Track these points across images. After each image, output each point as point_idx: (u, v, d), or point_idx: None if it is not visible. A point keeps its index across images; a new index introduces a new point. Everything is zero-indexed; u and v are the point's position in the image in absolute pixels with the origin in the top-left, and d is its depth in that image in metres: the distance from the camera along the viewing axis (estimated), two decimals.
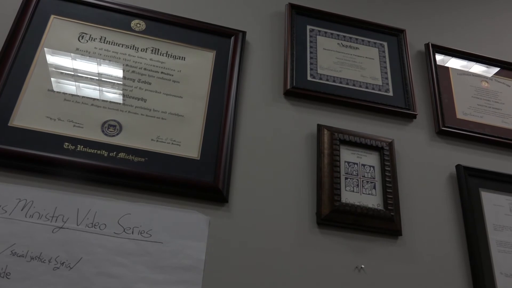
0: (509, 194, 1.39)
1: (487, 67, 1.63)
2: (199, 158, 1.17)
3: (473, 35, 1.72)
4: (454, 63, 1.60)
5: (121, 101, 1.20)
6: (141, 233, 1.05)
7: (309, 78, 1.39)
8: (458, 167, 1.38)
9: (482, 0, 1.84)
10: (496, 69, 1.64)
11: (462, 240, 1.29)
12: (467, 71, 1.60)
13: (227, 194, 1.15)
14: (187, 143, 1.18)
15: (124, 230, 1.05)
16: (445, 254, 1.25)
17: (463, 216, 1.32)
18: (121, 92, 1.22)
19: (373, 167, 1.30)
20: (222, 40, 1.37)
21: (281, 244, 1.14)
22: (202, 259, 1.06)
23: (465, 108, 1.51)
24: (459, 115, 1.49)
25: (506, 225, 1.33)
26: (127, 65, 1.26)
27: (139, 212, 1.08)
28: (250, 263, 1.10)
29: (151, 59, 1.29)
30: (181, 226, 1.08)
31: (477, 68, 1.62)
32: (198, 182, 1.13)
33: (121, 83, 1.23)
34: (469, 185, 1.36)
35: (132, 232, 1.05)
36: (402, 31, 1.58)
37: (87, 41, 1.27)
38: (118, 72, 1.24)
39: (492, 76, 1.62)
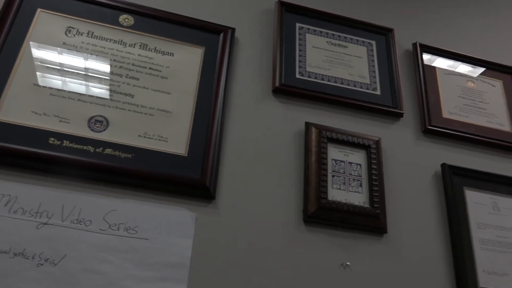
0: (492, 193, 1.41)
1: (472, 67, 1.65)
2: (186, 155, 1.16)
3: (460, 35, 1.74)
4: (441, 62, 1.61)
5: (108, 97, 1.19)
6: (127, 229, 1.05)
7: (297, 75, 1.39)
8: (443, 165, 1.39)
9: (470, 1, 1.86)
10: (482, 69, 1.66)
11: (446, 238, 1.30)
12: (454, 71, 1.62)
13: (215, 191, 1.15)
14: (174, 139, 1.18)
15: (109, 227, 1.04)
16: (429, 252, 1.27)
17: (447, 214, 1.33)
18: (108, 87, 1.21)
19: (360, 165, 1.31)
20: (211, 37, 1.36)
21: (267, 241, 1.15)
22: (189, 256, 1.06)
23: (451, 108, 1.53)
24: (445, 115, 1.50)
25: (489, 223, 1.35)
26: (114, 60, 1.25)
27: (125, 208, 1.07)
28: (236, 260, 1.10)
29: (139, 55, 1.28)
30: (167, 223, 1.08)
31: (463, 68, 1.64)
32: (185, 178, 1.12)
33: (109, 78, 1.22)
34: (453, 183, 1.37)
35: (118, 228, 1.05)
36: (390, 30, 1.58)
37: (74, 35, 1.25)
38: (105, 67, 1.23)
39: (477, 76, 1.64)
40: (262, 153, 1.26)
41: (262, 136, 1.29)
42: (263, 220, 1.17)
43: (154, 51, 1.30)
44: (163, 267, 1.03)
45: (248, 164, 1.23)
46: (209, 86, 1.27)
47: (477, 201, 1.38)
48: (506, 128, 1.56)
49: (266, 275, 1.11)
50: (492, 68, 1.67)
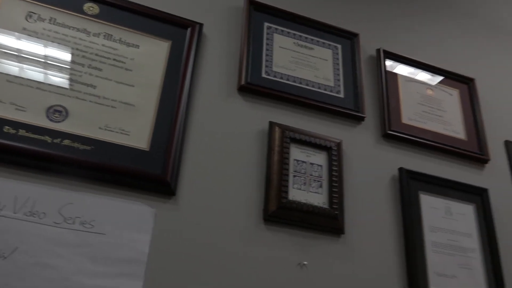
0: (446, 198, 1.46)
1: (432, 75, 1.71)
2: (148, 149, 1.14)
3: (422, 43, 1.79)
4: (403, 69, 1.66)
5: (68, 86, 1.16)
6: (83, 223, 1.02)
7: (263, 75, 1.39)
8: (400, 170, 1.43)
9: (433, 10, 1.91)
10: (440, 78, 1.72)
11: (400, 240, 1.34)
12: (414, 78, 1.66)
13: (175, 187, 1.14)
14: (136, 133, 1.16)
15: (65, 220, 1.01)
16: (384, 253, 1.30)
17: (402, 217, 1.37)
18: (69, 76, 1.17)
19: (321, 166, 1.33)
20: (178, 31, 1.34)
21: (226, 239, 1.15)
22: (146, 252, 1.05)
23: (410, 114, 1.57)
24: (404, 120, 1.55)
25: (441, 227, 1.40)
26: (77, 49, 1.21)
27: (82, 201, 1.04)
28: (195, 257, 1.10)
29: (103, 45, 1.25)
30: (125, 218, 1.06)
31: (423, 76, 1.69)
32: (146, 173, 1.11)
33: (70, 67, 1.18)
34: (409, 187, 1.42)
35: (74, 222, 1.02)
36: (356, 35, 1.61)
37: (35, 21, 1.21)
38: (67, 55, 1.20)
39: (436, 84, 1.70)
40: (225, 151, 1.26)
41: (226, 133, 1.29)
42: (223, 218, 1.17)
43: (119, 42, 1.27)
44: (119, 263, 1.01)
45: (211, 161, 1.23)
46: (175, 81, 1.26)
47: (431, 205, 1.43)
48: (460, 136, 1.62)
49: (224, 273, 1.11)
50: (450, 77, 1.73)
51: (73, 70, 1.18)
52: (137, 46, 1.28)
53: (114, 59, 1.24)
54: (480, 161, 1.60)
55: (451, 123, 1.63)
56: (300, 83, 1.43)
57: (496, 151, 1.67)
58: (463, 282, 1.34)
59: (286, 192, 1.24)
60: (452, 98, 1.70)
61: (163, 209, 1.12)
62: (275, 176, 1.25)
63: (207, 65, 1.36)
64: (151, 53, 1.28)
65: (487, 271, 1.39)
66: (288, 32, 1.52)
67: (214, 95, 1.33)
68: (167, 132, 1.18)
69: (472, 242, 1.42)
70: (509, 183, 1.63)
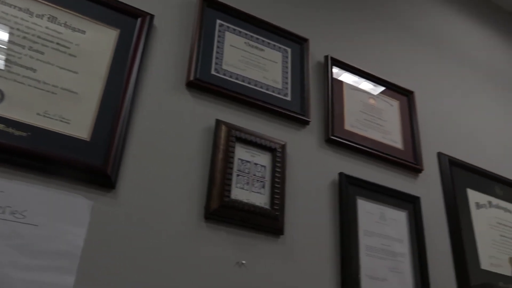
0: (381, 204, 1.52)
1: (375, 85, 1.77)
2: (89, 140, 1.10)
3: (368, 53, 1.85)
4: (348, 77, 1.71)
5: (5, 68, 1.09)
6: (13, 213, 0.97)
7: (213, 72, 1.39)
8: (340, 174, 1.48)
9: (380, 20, 1.99)
10: (383, 88, 1.79)
11: (336, 243, 1.38)
12: (358, 87, 1.72)
13: (116, 180, 1.10)
14: (77, 122, 1.11)
15: None
16: (320, 254, 1.33)
17: (339, 220, 1.41)
18: (7, 58, 1.10)
19: (265, 167, 1.34)
20: (128, 20, 1.30)
21: (166, 235, 1.13)
22: (80, 245, 1.01)
23: (352, 121, 1.62)
24: (347, 127, 1.60)
25: (375, 232, 1.46)
26: (17, 29, 1.14)
27: (13, 190, 0.99)
28: (132, 252, 1.07)
29: (46, 27, 1.18)
30: (60, 209, 1.01)
31: (366, 85, 1.75)
32: (85, 164, 1.07)
33: (8, 48, 1.11)
34: (348, 192, 1.46)
35: (4, 211, 0.96)
36: (305, 40, 1.64)
37: None
38: (5, 35, 1.13)
39: (378, 94, 1.76)
40: (169, 146, 1.24)
41: (171, 128, 1.27)
42: (163, 214, 1.15)
43: (64, 26, 1.21)
44: (51, 256, 0.97)
45: (154, 155, 1.20)
46: (121, 71, 1.22)
47: (367, 210, 1.48)
48: (398, 145, 1.69)
49: (161, 270, 1.09)
50: (391, 88, 1.81)
51: (11, 51, 1.11)
52: (83, 32, 1.23)
53: (58, 43, 1.18)
54: (414, 170, 1.68)
55: (390, 133, 1.70)
56: (249, 83, 1.44)
57: (429, 161, 1.76)
58: (392, 285, 1.40)
59: (229, 191, 1.23)
60: (393, 108, 1.77)
61: (101, 202, 1.08)
62: (219, 175, 1.24)
63: (156, 58, 1.34)
64: (98, 40, 1.24)
65: (415, 274, 1.46)
66: (240, 32, 1.52)
67: (161, 88, 1.30)
68: (110, 123, 1.14)
69: (403, 247, 1.49)
70: (439, 192, 1.73)
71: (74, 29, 1.22)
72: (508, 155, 2.07)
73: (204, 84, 1.35)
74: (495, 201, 1.86)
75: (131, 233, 1.09)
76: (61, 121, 1.09)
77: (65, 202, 1.03)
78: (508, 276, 1.70)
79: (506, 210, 1.87)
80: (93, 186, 1.08)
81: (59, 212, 1.01)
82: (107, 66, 1.21)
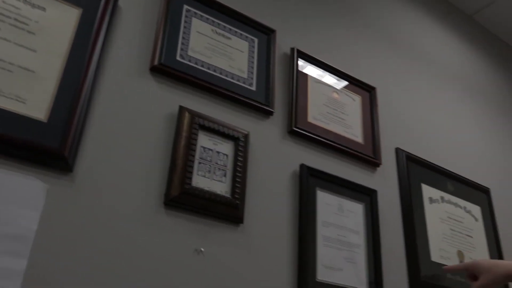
0: (339, 196, 1.55)
1: (338, 79, 1.80)
2: (46, 121, 1.06)
3: (333, 47, 1.87)
4: (312, 70, 1.72)
5: None
6: None
7: (178, 58, 1.37)
8: (301, 166, 1.49)
9: (347, 15, 2.01)
10: (346, 83, 1.82)
11: (295, 233, 1.40)
12: (322, 80, 1.74)
13: (73, 164, 1.07)
14: (34, 102, 1.07)
15: None
16: (279, 244, 1.35)
17: (299, 211, 1.43)
18: None
19: (227, 155, 1.34)
20: None
21: (124, 222, 1.11)
22: (34, 229, 0.98)
23: (316, 114, 1.64)
24: (310, 119, 1.61)
25: (333, 223, 1.49)
26: None
27: None
28: (88, 237, 1.05)
29: (3, 2, 1.13)
30: (13, 192, 0.98)
31: (330, 79, 1.77)
32: (41, 146, 1.03)
33: None
34: (308, 183, 1.48)
35: None
36: (273, 31, 1.64)
37: None
38: None
39: (342, 88, 1.79)
40: (130, 131, 1.22)
41: (133, 113, 1.24)
42: (122, 199, 1.13)
43: (23, 2, 1.16)
44: (3, 239, 0.93)
45: (114, 140, 1.18)
46: (82, 51, 1.18)
47: (326, 202, 1.51)
48: (358, 139, 1.73)
49: (118, 256, 1.07)
50: (354, 83, 1.84)
51: None
52: (43, 9, 1.18)
53: (16, 19, 1.13)
54: (373, 164, 1.73)
55: (351, 127, 1.73)
56: (214, 71, 1.43)
57: (387, 156, 1.81)
58: (347, 274, 1.44)
59: (190, 178, 1.23)
60: (355, 103, 1.80)
61: (57, 186, 1.05)
62: (180, 162, 1.23)
63: (120, 40, 1.30)
64: (59, 19, 1.19)
65: (369, 265, 1.51)
66: (207, 18, 1.50)
67: (124, 72, 1.27)
68: (69, 105, 1.10)
69: (359, 238, 1.53)
70: (395, 186, 1.78)
71: (33, 6, 1.17)
72: (461, 153, 2.16)
73: (169, 69, 1.33)
74: (447, 196, 1.93)
75: (88, 218, 1.07)
76: (17, 100, 1.05)
77: (19, 184, 0.99)
78: None
79: (456, 205, 1.95)
80: (49, 169, 1.05)
81: (12, 195, 0.98)
82: (67, 45, 1.17)
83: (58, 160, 1.04)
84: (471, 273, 1.20)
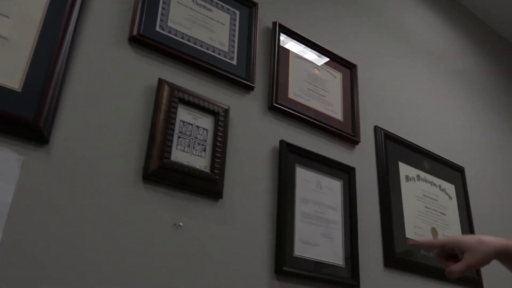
0: (318, 172, 1.56)
1: (319, 56, 1.78)
2: (20, 90, 1.02)
3: (315, 22, 1.85)
4: (294, 46, 1.70)
5: None
6: None
7: (157, 29, 1.33)
8: (281, 142, 1.49)
9: None
10: (327, 59, 1.81)
11: (274, 208, 1.40)
12: (303, 56, 1.72)
13: (49, 135, 1.04)
14: (7, 71, 1.02)
15: None
16: (257, 219, 1.36)
17: (278, 187, 1.43)
18: None
19: (207, 130, 1.32)
20: None
21: (101, 195, 1.09)
22: (9, 202, 0.95)
23: (296, 90, 1.63)
24: (290, 95, 1.60)
25: (311, 199, 1.50)
26: None
27: None
28: (64, 211, 1.03)
29: None
30: None
31: (312, 55, 1.76)
32: (15, 116, 0.99)
33: None
34: (288, 160, 1.48)
35: None
36: (255, 4, 1.61)
37: None
38: None
39: (323, 64, 1.78)
40: (108, 103, 1.19)
41: (111, 84, 1.21)
42: (99, 172, 1.11)
43: None
44: None
45: (92, 111, 1.15)
46: (58, 17, 1.13)
47: (304, 178, 1.51)
48: (338, 116, 1.73)
49: (95, 230, 1.06)
50: (336, 60, 1.83)
51: None
52: None
53: None
54: (352, 142, 1.74)
55: (331, 104, 1.73)
56: (195, 43, 1.40)
57: (366, 134, 1.82)
58: (323, 250, 1.46)
59: (169, 153, 1.21)
60: (336, 80, 1.80)
61: (32, 158, 1.02)
62: (159, 135, 1.21)
63: (98, 8, 1.25)
64: None
65: (345, 241, 1.53)
66: None
67: (102, 41, 1.23)
68: (44, 74, 1.06)
69: (336, 214, 1.55)
70: (373, 164, 1.80)
71: None
72: (438, 132, 2.19)
73: (148, 40, 1.29)
74: (423, 174, 1.97)
75: (64, 191, 1.04)
76: None
77: None
78: None
79: (432, 183, 1.99)
80: (24, 141, 1.02)
81: None
82: (42, 11, 1.12)
83: (33, 131, 1.01)
84: (449, 251, 0.98)
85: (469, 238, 0.95)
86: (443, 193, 2.02)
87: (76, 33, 1.17)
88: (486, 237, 0.94)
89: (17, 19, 1.08)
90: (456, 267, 0.93)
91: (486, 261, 0.93)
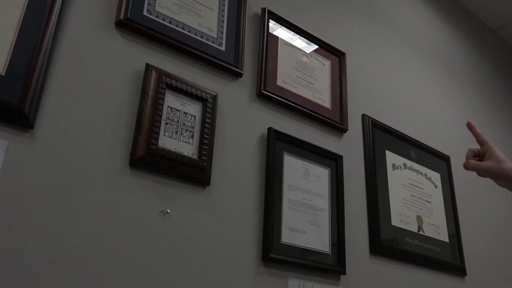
0: (306, 160, 1.56)
1: (308, 43, 1.77)
2: (4, 74, 1.00)
3: (304, 10, 1.84)
4: (283, 33, 1.69)
5: None
6: None
7: (145, 13, 1.31)
8: (269, 129, 1.49)
9: None
10: (316, 47, 1.80)
11: (261, 196, 1.41)
12: (292, 44, 1.71)
13: (34, 120, 1.02)
14: None
15: None
16: (245, 206, 1.36)
17: (265, 174, 1.43)
18: None
19: (195, 116, 1.31)
20: None
21: (87, 182, 1.08)
22: None
23: (285, 77, 1.63)
24: (279, 83, 1.60)
25: (298, 187, 1.50)
26: None
27: None
28: (50, 197, 1.02)
29: None
30: None
31: (301, 42, 1.75)
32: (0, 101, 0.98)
33: None
34: (275, 147, 1.48)
35: None
36: None
37: None
38: None
39: (311, 52, 1.78)
40: (95, 88, 1.17)
41: (97, 69, 1.19)
42: (85, 158, 1.10)
43: None
44: None
45: (78, 96, 1.13)
46: (43, 0, 1.11)
47: (292, 166, 1.51)
48: (326, 104, 1.73)
49: (81, 217, 1.05)
50: (324, 48, 1.82)
51: None
52: None
53: None
54: (340, 130, 1.74)
55: (319, 91, 1.73)
56: (183, 28, 1.38)
57: (354, 122, 1.83)
58: (310, 237, 1.46)
59: (156, 139, 1.20)
60: (324, 68, 1.79)
61: (17, 143, 1.00)
62: (146, 121, 1.20)
63: None
64: None
65: (332, 228, 1.54)
66: None
67: (88, 25, 1.21)
68: (29, 57, 1.04)
69: (323, 202, 1.55)
70: (360, 152, 1.81)
71: None
72: (425, 121, 2.21)
73: (135, 24, 1.27)
74: (409, 163, 1.98)
75: (49, 177, 1.03)
76: None
77: None
78: (414, 232, 1.84)
79: (418, 172, 2.00)
80: (8, 126, 1.00)
81: None
82: None
83: (18, 116, 0.99)
84: (480, 149, 1.07)
85: (499, 152, 1.03)
86: (429, 181, 2.04)
87: (62, 16, 1.15)
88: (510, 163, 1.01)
89: (0, 1, 1.05)
90: (472, 162, 1.05)
91: (497, 175, 1.00)
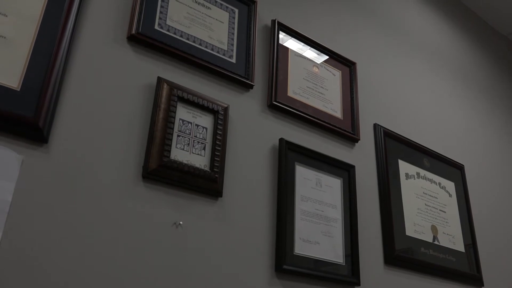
0: (318, 170, 1.56)
1: (319, 53, 1.78)
2: (19, 89, 1.02)
3: (314, 21, 1.85)
4: (293, 44, 1.70)
5: None
6: None
7: (156, 27, 1.33)
8: (281, 140, 1.49)
9: None
10: (326, 57, 1.80)
11: (274, 206, 1.40)
12: (303, 54, 1.72)
13: (48, 134, 1.04)
14: (6, 69, 1.02)
15: None
16: (257, 217, 1.35)
17: (278, 185, 1.43)
18: None
19: (206, 128, 1.32)
20: None
21: (101, 194, 1.09)
22: (9, 201, 0.95)
23: (295, 88, 1.63)
24: (290, 93, 1.60)
25: (311, 197, 1.50)
26: None
27: None
28: (64, 210, 1.03)
29: None
30: None
31: (311, 53, 1.75)
32: (14, 115, 0.99)
33: None
34: (287, 158, 1.48)
35: None
36: (254, 2, 1.61)
37: None
38: None
39: (322, 62, 1.78)
40: (108, 101, 1.18)
41: (110, 83, 1.20)
42: (98, 171, 1.11)
43: None
44: None
45: (91, 110, 1.15)
46: (56, 16, 1.12)
47: (304, 176, 1.51)
48: (338, 114, 1.73)
49: (95, 228, 1.06)
50: (335, 58, 1.83)
51: None
52: None
53: None
54: (351, 140, 1.74)
55: (330, 102, 1.73)
56: (194, 41, 1.39)
57: (365, 132, 1.82)
58: (323, 248, 1.45)
59: (169, 151, 1.21)
60: (335, 78, 1.80)
61: (32, 157, 1.02)
62: (159, 134, 1.21)
63: (96, 6, 1.25)
64: None
65: (346, 238, 1.53)
66: None
67: (101, 40, 1.23)
68: (43, 73, 1.06)
69: (336, 212, 1.55)
70: (373, 162, 1.80)
71: None
72: (438, 130, 2.19)
73: (147, 39, 1.29)
74: (422, 172, 1.96)
75: (63, 190, 1.04)
76: None
77: None
78: (429, 242, 1.82)
79: (432, 181, 1.98)
80: (23, 140, 1.02)
81: None
82: (41, 9, 1.12)
83: (32, 130, 1.01)
84: None
85: None
86: (443, 190, 2.02)
87: (75, 32, 1.17)
88: None
89: (15, 17, 1.08)
90: None
91: None
